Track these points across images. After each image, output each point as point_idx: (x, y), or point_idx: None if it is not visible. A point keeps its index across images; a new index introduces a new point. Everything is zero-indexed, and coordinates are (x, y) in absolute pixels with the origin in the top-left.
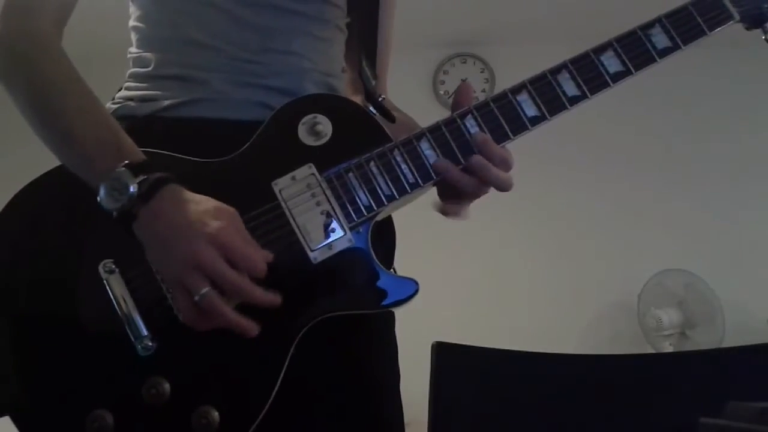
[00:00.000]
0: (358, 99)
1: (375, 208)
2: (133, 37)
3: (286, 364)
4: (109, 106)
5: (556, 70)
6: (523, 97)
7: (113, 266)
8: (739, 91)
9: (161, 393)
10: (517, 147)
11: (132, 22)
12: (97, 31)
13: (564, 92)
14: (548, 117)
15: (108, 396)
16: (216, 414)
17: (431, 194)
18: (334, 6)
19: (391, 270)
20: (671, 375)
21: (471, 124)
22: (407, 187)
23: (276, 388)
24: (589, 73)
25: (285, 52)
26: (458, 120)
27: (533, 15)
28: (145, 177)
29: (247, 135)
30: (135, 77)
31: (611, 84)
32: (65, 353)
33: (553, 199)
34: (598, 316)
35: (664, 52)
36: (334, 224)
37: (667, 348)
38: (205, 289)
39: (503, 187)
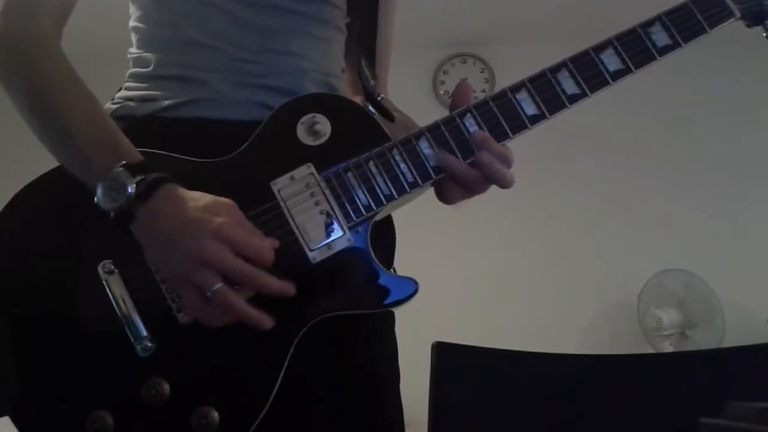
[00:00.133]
0: (357, 100)
1: (374, 208)
2: (133, 37)
3: (286, 364)
4: (109, 106)
5: (555, 69)
6: (523, 96)
7: (112, 267)
8: (739, 91)
9: (161, 393)
10: (516, 146)
11: (132, 23)
12: (97, 31)
13: (563, 91)
14: (548, 115)
15: (108, 397)
16: (215, 414)
17: (431, 194)
18: (334, 6)
19: (391, 270)
20: (671, 375)
21: (470, 123)
22: (406, 187)
23: (276, 388)
24: (589, 72)
25: (284, 52)
26: (457, 119)
27: (533, 15)
28: (143, 177)
29: (246, 135)
30: (135, 77)
31: (611, 82)
32: (65, 354)
33: (553, 198)
34: (598, 316)
35: (665, 50)
36: (333, 224)
37: (667, 348)
38: (218, 285)
39: (506, 183)
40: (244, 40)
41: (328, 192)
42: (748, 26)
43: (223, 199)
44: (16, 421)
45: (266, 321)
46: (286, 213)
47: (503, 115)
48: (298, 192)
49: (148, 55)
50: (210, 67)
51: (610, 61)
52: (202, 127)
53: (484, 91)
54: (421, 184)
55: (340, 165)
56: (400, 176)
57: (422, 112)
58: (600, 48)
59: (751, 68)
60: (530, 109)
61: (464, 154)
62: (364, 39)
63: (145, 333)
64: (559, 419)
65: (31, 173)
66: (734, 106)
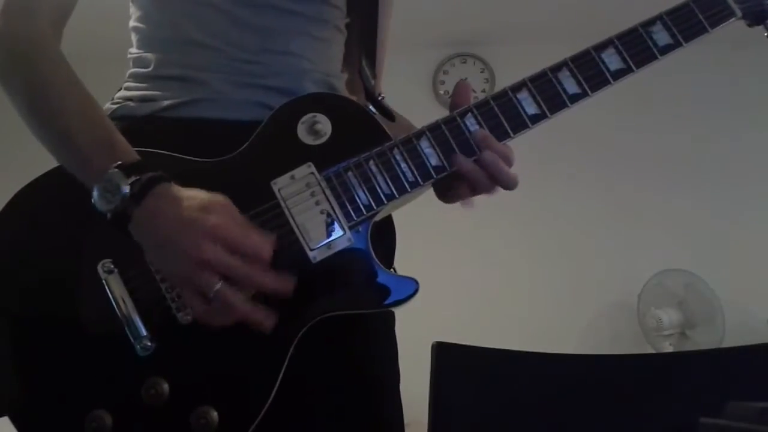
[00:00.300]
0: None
1: (374, 208)
2: (133, 37)
3: (286, 364)
4: (109, 106)
5: (556, 68)
6: (524, 95)
7: (112, 266)
8: (739, 91)
9: (160, 393)
10: (517, 146)
11: (132, 23)
12: (97, 31)
13: (564, 90)
14: (549, 115)
15: (107, 396)
16: (215, 414)
17: (431, 194)
18: (333, 6)
19: (391, 269)
20: (671, 375)
21: (471, 123)
22: (407, 186)
23: (275, 389)
24: (590, 71)
25: (284, 52)
26: (458, 118)
27: (533, 15)
28: (137, 177)
29: (246, 135)
30: (135, 77)
31: (612, 81)
32: (64, 353)
33: (553, 198)
34: (598, 316)
35: (666, 50)
36: (334, 223)
37: (667, 348)
38: (218, 285)
39: (510, 184)
40: (243, 41)
41: (328, 191)
42: (749, 26)
43: (218, 196)
44: (14, 420)
45: (269, 320)
46: (287, 212)
47: (504, 115)
48: (299, 191)
49: (148, 55)
50: (210, 68)
51: (611, 60)
52: (202, 127)
53: (484, 91)
54: (421, 183)
55: (341, 164)
56: (401, 175)
57: (422, 112)
58: (601, 47)
59: (751, 68)
60: (531, 108)
61: (465, 154)
62: (365, 39)
63: (144, 332)
64: (559, 419)
65: (30, 173)
66: (734, 106)
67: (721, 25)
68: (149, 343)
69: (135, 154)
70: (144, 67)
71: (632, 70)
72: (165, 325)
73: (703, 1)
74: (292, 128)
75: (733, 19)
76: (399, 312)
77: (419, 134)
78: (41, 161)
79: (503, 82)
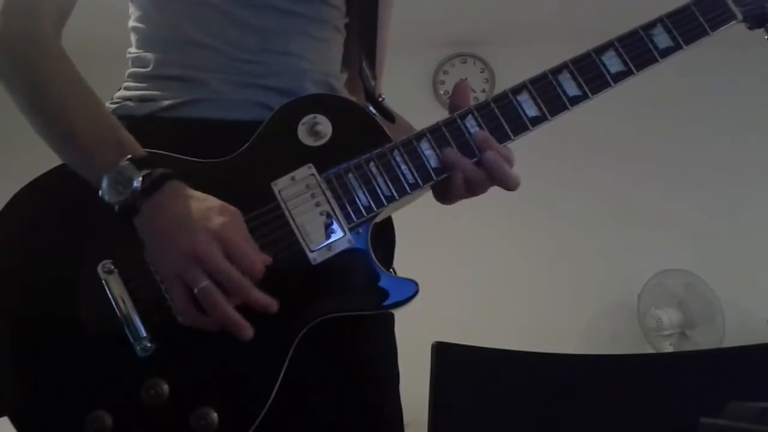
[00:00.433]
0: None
1: (375, 209)
2: (133, 37)
3: (286, 365)
4: (108, 106)
5: (557, 70)
6: (524, 97)
7: (112, 267)
8: (739, 91)
9: (160, 394)
10: (517, 146)
11: (131, 23)
12: (97, 31)
13: (565, 92)
14: (549, 117)
15: (107, 397)
16: (215, 415)
17: (431, 195)
18: (333, 7)
19: (391, 271)
20: (671, 375)
21: (471, 125)
22: (407, 188)
23: (275, 390)
24: (590, 73)
25: (284, 52)
26: (458, 120)
27: (533, 15)
28: (149, 171)
29: (246, 135)
30: (134, 77)
31: (612, 84)
32: (64, 354)
33: (553, 199)
34: (598, 316)
35: (666, 52)
36: (334, 225)
37: (667, 348)
38: (205, 282)
39: (512, 184)
40: (243, 41)
41: (328, 193)
42: (750, 29)
43: (229, 205)
44: (14, 421)
45: (247, 330)
46: (287, 214)
47: (504, 117)
48: (299, 193)
49: (148, 55)
50: (209, 68)
51: (612, 62)
52: (202, 128)
53: (484, 91)
54: (421, 185)
55: (341, 166)
56: (401, 177)
57: (422, 112)
58: (601, 50)
59: (751, 69)
60: (531, 110)
61: (466, 156)
62: (364, 39)
63: (144, 333)
64: (559, 419)
65: (29, 174)
66: (734, 106)
67: (722, 28)
68: (149, 344)
69: (142, 150)
70: (143, 67)
71: (633, 73)
72: (165, 326)
73: (703, 3)
74: (292, 129)
75: (734, 22)
76: (399, 312)
77: (419, 136)
78: (40, 162)
79: (503, 82)
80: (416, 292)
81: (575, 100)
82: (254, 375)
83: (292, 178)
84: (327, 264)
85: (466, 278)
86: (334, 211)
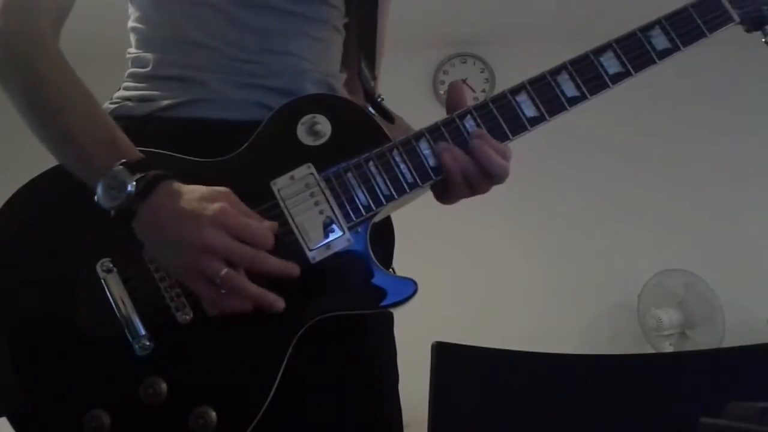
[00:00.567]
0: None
1: (374, 208)
2: (132, 37)
3: (284, 364)
4: (107, 106)
5: (555, 71)
6: (523, 98)
7: (111, 265)
8: (739, 92)
9: (158, 393)
10: (516, 146)
11: (131, 23)
12: (97, 31)
13: (563, 93)
14: (547, 118)
15: (105, 396)
16: (213, 414)
17: (431, 195)
18: (332, 7)
19: (390, 270)
20: (671, 375)
21: (470, 125)
22: (406, 187)
23: (274, 389)
24: (589, 74)
25: (283, 52)
26: (457, 120)
27: (533, 15)
28: (143, 175)
29: (245, 135)
30: (133, 77)
31: (611, 85)
32: (62, 353)
33: (553, 199)
34: (598, 316)
35: (664, 54)
36: (333, 224)
37: (667, 348)
38: (225, 270)
39: (496, 170)
40: (243, 41)
41: (327, 192)
42: (747, 31)
43: (218, 187)
44: (13, 420)
45: (280, 301)
46: (286, 213)
47: (503, 117)
48: (298, 192)
49: (147, 55)
50: (209, 68)
51: (610, 64)
52: (201, 128)
53: (484, 91)
54: (420, 184)
55: (340, 165)
56: (400, 177)
57: (422, 112)
58: (600, 51)
59: (750, 69)
60: (530, 111)
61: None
62: (363, 39)
63: (143, 332)
64: (559, 419)
65: (27, 174)
66: (734, 106)
67: (719, 30)
68: (148, 343)
69: (137, 151)
70: (143, 67)
71: (631, 74)
72: (164, 325)
73: (701, 6)
74: (291, 129)
75: (731, 24)
76: (399, 312)
77: (418, 136)
78: (39, 162)
79: (503, 82)
80: (415, 292)
81: (574, 101)
82: (253, 374)
83: (292, 177)
84: (326, 263)
85: (466, 278)
86: (333, 210)
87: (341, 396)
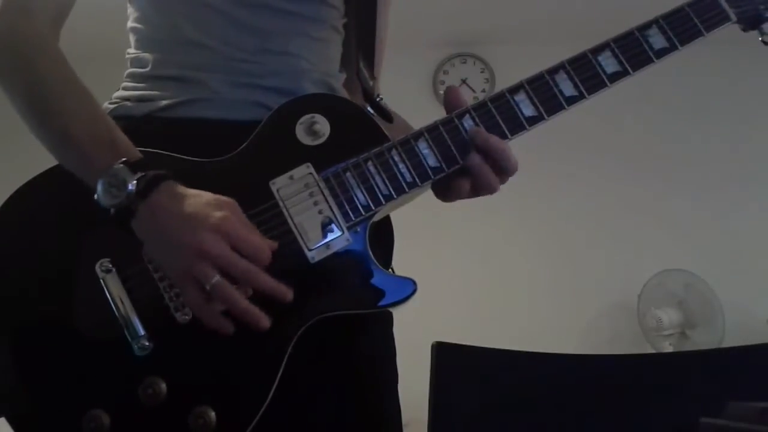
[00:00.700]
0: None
1: (373, 208)
2: (131, 38)
3: (284, 363)
4: (106, 106)
5: (553, 71)
6: (521, 97)
7: (110, 265)
8: (739, 91)
9: (158, 393)
10: (516, 146)
11: (130, 24)
12: (98, 31)
13: (561, 92)
14: (546, 117)
15: (104, 396)
16: (213, 414)
17: (431, 195)
18: (331, 7)
19: (389, 270)
20: (671, 375)
21: (468, 124)
22: (405, 187)
23: (273, 388)
24: (587, 73)
25: (282, 52)
26: (456, 119)
27: (533, 15)
28: (143, 174)
29: (244, 135)
30: (132, 77)
31: (609, 84)
32: (61, 353)
33: (553, 198)
34: (598, 316)
35: (661, 53)
36: (332, 224)
37: (667, 348)
38: (216, 278)
39: (507, 163)
40: (241, 41)
41: (326, 192)
42: (744, 30)
43: (224, 197)
44: (12, 421)
45: (264, 320)
46: (285, 212)
47: (501, 116)
48: (297, 192)
49: (146, 55)
50: (208, 68)
51: (608, 63)
52: (200, 127)
53: (484, 91)
54: (419, 184)
55: (339, 165)
56: (399, 176)
57: (422, 112)
58: (598, 50)
59: (750, 69)
60: (528, 110)
61: (463, 155)
62: (362, 39)
63: (142, 332)
64: (559, 419)
65: (27, 173)
66: (734, 106)
67: (716, 29)
68: (147, 343)
69: (137, 151)
70: (142, 68)
71: (629, 73)
72: (163, 325)
73: (698, 5)
74: (290, 128)
75: (728, 23)
76: (399, 312)
77: (417, 135)
78: (38, 161)
79: (503, 82)
80: (414, 291)
81: (572, 100)
82: (252, 374)
83: (291, 177)
84: (325, 263)
85: (466, 278)
86: (332, 209)
87: (341, 396)
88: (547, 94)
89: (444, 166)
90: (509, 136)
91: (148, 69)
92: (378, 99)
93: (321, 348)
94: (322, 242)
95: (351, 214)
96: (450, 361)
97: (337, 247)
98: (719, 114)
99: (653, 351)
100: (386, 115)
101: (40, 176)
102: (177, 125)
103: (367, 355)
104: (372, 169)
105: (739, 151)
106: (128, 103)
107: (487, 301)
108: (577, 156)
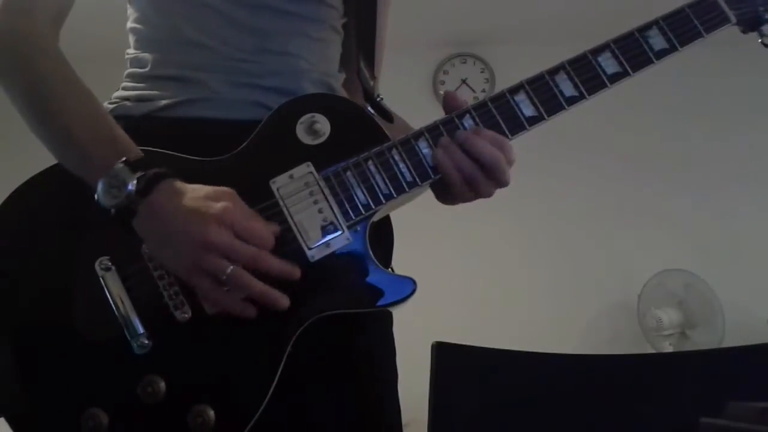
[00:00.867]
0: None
1: (373, 207)
2: (131, 38)
3: (283, 362)
4: (106, 106)
5: (553, 71)
6: (521, 98)
7: (110, 263)
8: (740, 92)
9: (157, 391)
10: (516, 146)
11: (130, 24)
12: (98, 31)
13: (561, 92)
14: (546, 117)
15: (103, 395)
16: (212, 413)
17: (431, 194)
18: (330, 7)
19: (389, 269)
20: (671, 375)
21: (469, 124)
22: (405, 186)
23: (272, 387)
24: (587, 74)
25: (282, 53)
26: (456, 119)
27: (533, 15)
28: (143, 173)
29: (244, 134)
30: (132, 77)
31: (609, 85)
32: (60, 352)
33: (553, 198)
34: (598, 316)
35: (661, 54)
36: (332, 223)
37: (667, 348)
38: (231, 267)
39: (490, 159)
40: (241, 41)
41: (327, 191)
42: (743, 32)
43: (222, 187)
44: (10, 420)
45: (284, 299)
46: (285, 211)
47: (502, 116)
48: (297, 191)
49: (146, 55)
50: (207, 67)
51: (608, 64)
52: (200, 127)
53: (484, 91)
54: (419, 183)
55: (340, 164)
56: (399, 176)
57: (422, 112)
58: (598, 51)
59: (751, 69)
60: (528, 110)
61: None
62: (362, 39)
63: (141, 330)
64: (559, 419)
65: (26, 173)
66: (734, 106)
67: (716, 31)
68: (146, 341)
69: (138, 150)
70: (141, 68)
71: (629, 74)
72: (162, 323)
73: (698, 6)
74: (290, 128)
75: (728, 24)
76: (399, 312)
77: (417, 135)
78: (37, 161)
79: (503, 82)
80: (414, 291)
81: (572, 101)
82: (251, 372)
83: (291, 176)
84: (325, 261)
85: (466, 278)
86: (332, 208)
87: (340, 395)
88: (547, 95)
89: None
90: (510, 136)
91: (147, 69)
92: (378, 99)
93: (320, 347)
94: (322, 241)
95: (351, 213)
96: (450, 361)
97: (336, 246)
98: (719, 114)
99: (653, 351)
100: (386, 115)
101: (39, 175)
102: (177, 125)
103: (366, 355)
104: (372, 168)
105: (739, 151)
106: (128, 103)
107: (487, 301)
108: (577, 156)
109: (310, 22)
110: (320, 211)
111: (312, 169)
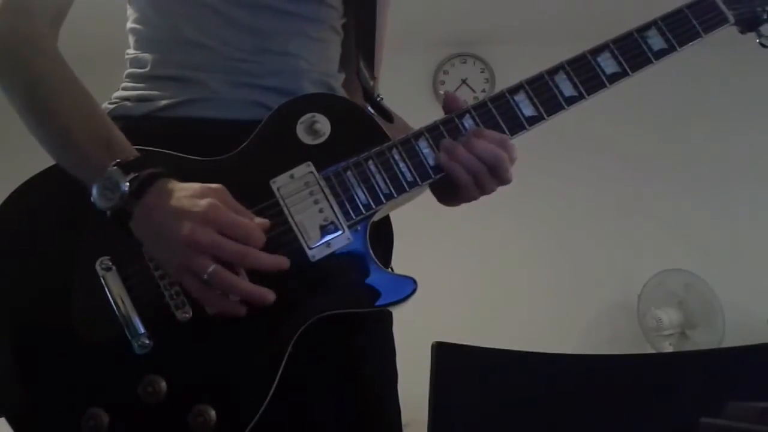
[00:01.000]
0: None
1: (373, 207)
2: (131, 38)
3: (284, 362)
4: (106, 106)
5: (553, 71)
6: (521, 97)
7: (110, 263)
8: (739, 92)
9: (157, 391)
10: (517, 146)
11: (129, 24)
12: (98, 31)
13: (561, 92)
14: (545, 117)
15: (104, 394)
16: (213, 413)
17: (431, 194)
18: (329, 7)
19: (389, 269)
20: (671, 375)
21: (469, 124)
22: (405, 186)
23: (273, 387)
24: (586, 74)
25: (281, 53)
26: (456, 119)
27: (533, 15)
28: (136, 175)
29: (244, 134)
30: (132, 77)
31: (608, 85)
32: (61, 351)
33: (553, 198)
34: (598, 316)
35: (660, 54)
36: (333, 222)
37: (667, 348)
38: (212, 267)
39: (492, 158)
40: (240, 41)
41: (327, 190)
42: (741, 32)
43: (211, 184)
44: (11, 420)
45: (270, 294)
46: (286, 211)
47: (501, 116)
48: (298, 190)
49: (146, 55)
50: (207, 68)
51: (607, 64)
52: (200, 127)
53: (484, 91)
54: (420, 183)
55: (340, 164)
56: (400, 175)
57: (422, 112)
58: (597, 51)
59: (751, 69)
60: (528, 110)
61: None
62: (362, 39)
63: (142, 330)
64: (559, 419)
65: (26, 173)
66: (734, 106)
67: (715, 31)
68: (147, 341)
69: (134, 150)
70: (141, 68)
71: (628, 74)
72: (163, 323)
73: (697, 7)
74: (291, 128)
75: (726, 25)
76: (399, 312)
77: (417, 135)
78: (37, 161)
79: (503, 82)
80: (414, 290)
81: (571, 101)
82: (252, 372)
83: (291, 176)
84: (325, 261)
85: (466, 278)
86: (332, 208)
87: (341, 395)
88: (546, 95)
89: None
90: (509, 136)
91: (147, 69)
92: (378, 99)
93: (321, 347)
94: (323, 241)
95: (351, 213)
96: (450, 361)
97: (337, 246)
98: (719, 114)
99: (653, 351)
100: (386, 115)
101: (39, 175)
102: (177, 125)
103: (367, 355)
104: (373, 168)
105: (739, 151)
106: (128, 103)
107: (487, 301)
108: (577, 156)
109: (310, 22)
110: (321, 210)
111: (312, 168)
